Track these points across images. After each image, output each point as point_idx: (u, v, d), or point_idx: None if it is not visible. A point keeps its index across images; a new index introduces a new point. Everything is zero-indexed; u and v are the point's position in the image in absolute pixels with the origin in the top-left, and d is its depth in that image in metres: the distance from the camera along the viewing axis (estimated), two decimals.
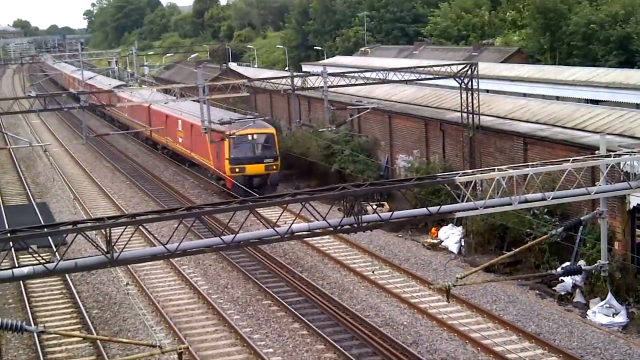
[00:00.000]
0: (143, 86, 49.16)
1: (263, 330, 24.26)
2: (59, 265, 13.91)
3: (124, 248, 14.06)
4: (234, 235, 14.57)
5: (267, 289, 27.49)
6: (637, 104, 41.22)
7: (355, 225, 15.15)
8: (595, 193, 14.91)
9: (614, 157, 14.92)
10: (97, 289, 28.86)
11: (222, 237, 14.52)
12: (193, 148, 46.46)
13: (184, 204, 37.16)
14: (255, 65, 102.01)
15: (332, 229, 15.18)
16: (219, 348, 23.16)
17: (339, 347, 22.36)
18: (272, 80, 42.23)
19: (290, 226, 14.75)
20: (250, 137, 40.54)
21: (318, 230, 15.22)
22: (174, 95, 40.47)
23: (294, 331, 24.08)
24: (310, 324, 24.12)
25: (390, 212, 15.41)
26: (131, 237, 15.44)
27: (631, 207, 25.77)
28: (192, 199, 41.86)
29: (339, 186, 15.22)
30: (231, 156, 39.72)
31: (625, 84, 43.21)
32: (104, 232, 14.23)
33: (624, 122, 31.89)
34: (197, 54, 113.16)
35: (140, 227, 14.60)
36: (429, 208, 15.04)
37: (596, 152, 16.47)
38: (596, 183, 15.19)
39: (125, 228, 14.29)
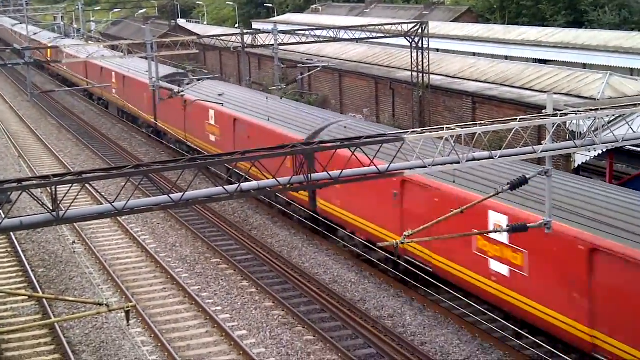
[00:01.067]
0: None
1: (211, 289, 24.25)
2: (4, 224, 13.64)
3: (70, 206, 13.83)
4: (182, 193, 14.43)
5: (215, 247, 27.44)
6: (584, 63, 41.76)
7: (305, 183, 15.12)
8: (541, 152, 15.07)
9: (560, 117, 15.06)
10: (43, 248, 28.49)
11: (170, 195, 14.37)
12: None
13: (132, 162, 36.76)
14: (205, 22, 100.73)
15: (281, 186, 15.13)
16: (167, 306, 23.10)
17: (287, 304, 22.48)
18: (222, 38, 41.71)
19: (240, 184, 14.65)
20: None
21: (268, 188, 15.15)
22: (122, 52, 39.77)
23: (242, 289, 24.13)
24: (259, 282, 24.18)
25: (340, 171, 15.39)
26: (77, 195, 15.21)
27: (576, 165, 26.22)
28: (140, 157, 41.41)
29: (288, 145, 15.13)
30: None
31: (572, 44, 43.70)
32: (50, 190, 13.97)
33: (571, 82, 32.28)
34: (145, 10, 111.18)
35: (86, 185, 14.38)
36: (378, 166, 15.06)
37: (543, 111, 16.61)
38: (542, 142, 15.33)
39: (72, 186, 14.05)
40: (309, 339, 20.59)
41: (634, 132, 16.10)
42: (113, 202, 13.94)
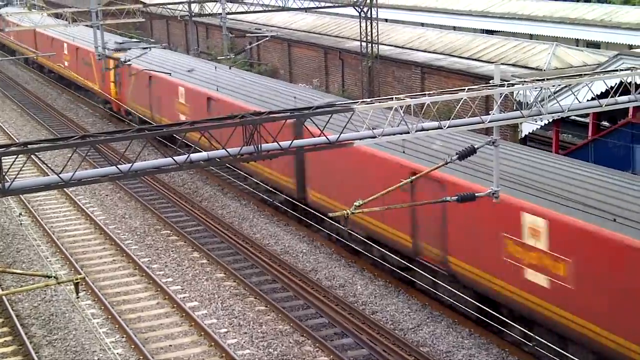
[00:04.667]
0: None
1: (162, 260, 24.15)
2: None
3: (15, 177, 13.61)
4: (131, 164, 14.28)
5: (165, 219, 27.28)
6: (530, 34, 42.20)
7: (255, 154, 15.08)
8: (489, 121, 15.23)
9: (507, 87, 15.23)
10: None
11: (118, 166, 14.22)
12: None
13: (79, 132, 36.19)
14: None
15: (231, 157, 15.07)
16: (117, 279, 22.95)
17: (238, 275, 22.50)
18: (169, 6, 41.17)
19: (189, 155, 14.56)
20: None
21: (217, 159, 15.07)
22: (66, 20, 39.00)
23: (193, 260, 24.07)
24: (210, 253, 24.14)
25: (290, 141, 15.38)
26: (23, 166, 14.96)
27: (523, 135, 26.59)
28: (86, 128, 40.82)
29: (237, 115, 15.06)
30: None
31: (519, 15, 44.10)
32: None
33: (518, 53, 32.63)
34: None
35: (32, 156, 14.15)
36: (328, 137, 15.09)
37: (490, 81, 16.78)
38: (490, 112, 15.50)
39: (17, 157, 13.82)
40: (261, 310, 20.66)
41: (580, 102, 16.37)
42: (60, 173, 13.75)
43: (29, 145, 13.71)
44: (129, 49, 39.52)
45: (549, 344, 16.77)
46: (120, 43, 40.59)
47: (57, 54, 48.63)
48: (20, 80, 56.83)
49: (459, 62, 33.61)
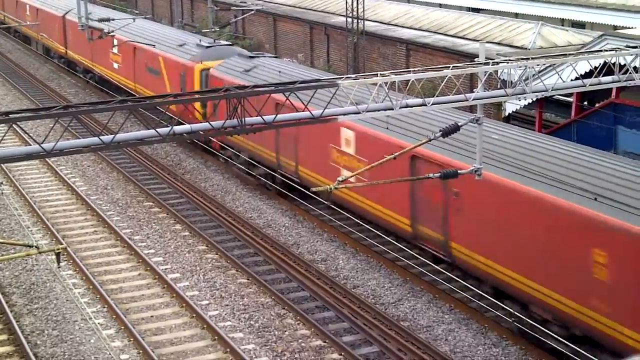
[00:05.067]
0: None
1: (144, 232, 24.14)
2: None
3: None
4: (113, 135, 14.22)
5: (148, 191, 27.23)
6: (516, 13, 42.18)
7: (239, 127, 15.05)
8: (473, 99, 15.28)
9: (492, 65, 15.27)
10: None
11: (100, 137, 14.15)
12: None
13: (61, 102, 35.96)
14: None
15: (214, 130, 15.04)
16: (99, 249, 22.94)
17: (220, 248, 22.55)
18: None
19: (172, 127, 14.52)
20: None
21: (200, 132, 15.05)
22: None
23: (175, 232, 24.07)
24: (192, 226, 24.15)
25: (274, 115, 15.37)
26: (4, 136, 14.87)
27: (506, 114, 26.69)
28: (69, 98, 40.56)
29: (221, 88, 15.02)
30: None
31: None
32: None
33: (503, 31, 32.65)
34: None
35: (14, 125, 14.05)
36: (312, 112, 15.09)
37: (475, 59, 16.80)
38: (474, 90, 15.54)
39: None
40: (243, 282, 20.74)
41: (563, 81, 16.44)
42: (42, 143, 13.69)
43: (10, 115, 13.62)
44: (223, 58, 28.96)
45: (527, 319, 16.97)
46: (207, 47, 30.36)
47: (103, 53, 38.20)
48: (2, 50, 56.27)
49: (444, 40, 33.60)
